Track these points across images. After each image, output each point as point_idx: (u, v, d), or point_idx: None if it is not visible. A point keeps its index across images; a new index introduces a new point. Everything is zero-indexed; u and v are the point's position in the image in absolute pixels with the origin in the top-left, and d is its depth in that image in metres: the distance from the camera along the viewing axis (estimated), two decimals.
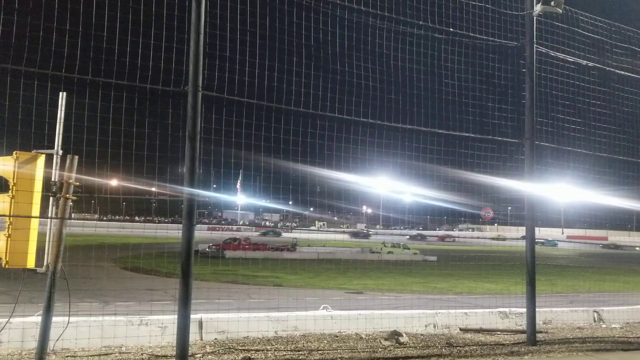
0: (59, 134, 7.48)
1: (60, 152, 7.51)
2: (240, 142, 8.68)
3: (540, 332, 11.29)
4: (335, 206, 10.90)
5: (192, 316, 8.20)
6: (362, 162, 10.34)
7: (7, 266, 7.18)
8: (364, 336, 10.36)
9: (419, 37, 10.72)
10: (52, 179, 7.44)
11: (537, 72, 11.29)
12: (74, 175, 7.45)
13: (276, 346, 9.26)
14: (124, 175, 8.25)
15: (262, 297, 16.24)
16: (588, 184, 12.89)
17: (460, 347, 9.89)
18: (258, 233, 67.25)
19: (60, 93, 7.48)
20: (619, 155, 13.17)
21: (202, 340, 9.43)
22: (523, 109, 11.17)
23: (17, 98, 7.19)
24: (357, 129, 9.89)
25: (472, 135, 11.20)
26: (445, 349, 9.68)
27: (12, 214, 7.15)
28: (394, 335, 10.18)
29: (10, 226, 7.17)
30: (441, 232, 73.60)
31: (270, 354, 8.71)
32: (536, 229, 11.26)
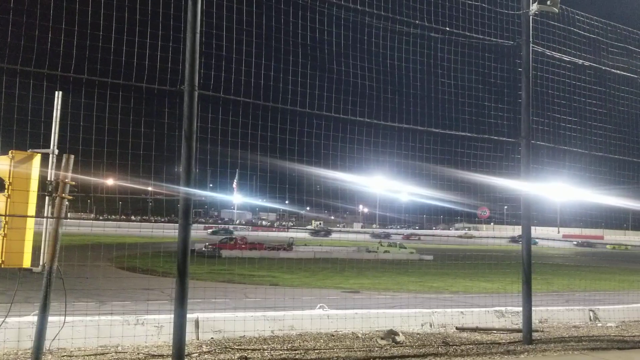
0: (54, 133, 7.46)
1: (56, 151, 7.50)
2: (236, 142, 8.68)
3: (537, 331, 11.31)
4: (331, 205, 10.90)
5: (189, 316, 8.20)
6: (359, 161, 10.34)
7: (3, 266, 7.16)
8: (360, 335, 10.36)
9: (415, 37, 10.73)
10: (48, 179, 7.42)
11: (533, 72, 11.31)
12: (69, 174, 7.43)
13: (272, 345, 9.26)
14: (120, 174, 8.23)
15: (258, 297, 16.23)
16: (584, 183, 12.92)
17: (457, 346, 9.90)
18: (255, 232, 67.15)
19: (56, 92, 7.46)
20: (614, 154, 13.20)
21: (198, 339, 9.42)
22: (519, 108, 11.19)
23: (12, 97, 7.17)
24: (354, 128, 9.89)
25: (469, 134, 11.22)
26: (441, 348, 9.69)
27: (8, 213, 7.13)
28: (391, 334, 10.19)
29: (6, 226, 7.14)
30: (407, 231, 73.44)
31: (266, 353, 8.71)
32: (532, 228, 11.28)
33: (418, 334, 10.85)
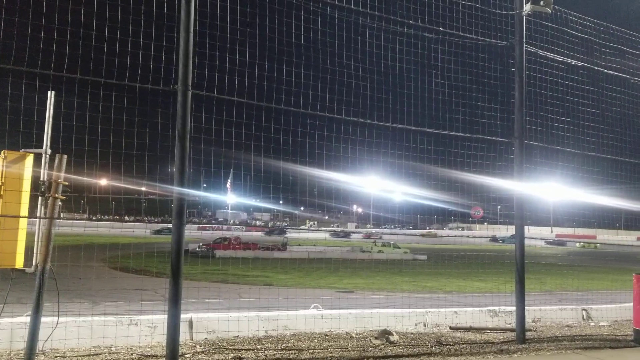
0: (47, 133, 7.43)
1: (49, 151, 7.47)
2: (230, 142, 8.67)
3: (530, 330, 11.35)
4: (325, 205, 10.90)
5: (182, 316, 8.19)
6: (353, 161, 10.35)
7: None
8: (354, 335, 10.37)
9: (409, 37, 10.74)
10: (41, 179, 7.40)
11: (526, 72, 11.35)
12: (62, 174, 7.40)
13: (266, 345, 9.25)
14: (113, 174, 8.21)
15: (252, 297, 16.22)
16: (577, 183, 12.97)
17: (450, 345, 9.93)
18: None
19: (49, 92, 7.43)
20: (607, 154, 13.25)
21: (192, 340, 9.40)
22: (512, 108, 11.22)
23: (5, 97, 7.14)
24: (348, 128, 9.90)
25: (462, 134, 11.24)
26: (435, 347, 9.71)
27: (0, 213, 7.10)
28: (385, 334, 10.20)
29: None
30: (365, 230, 73.38)
31: (260, 354, 8.70)
32: (525, 227, 11.30)
33: (412, 333, 10.87)
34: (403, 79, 10.87)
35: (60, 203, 7.46)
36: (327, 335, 10.19)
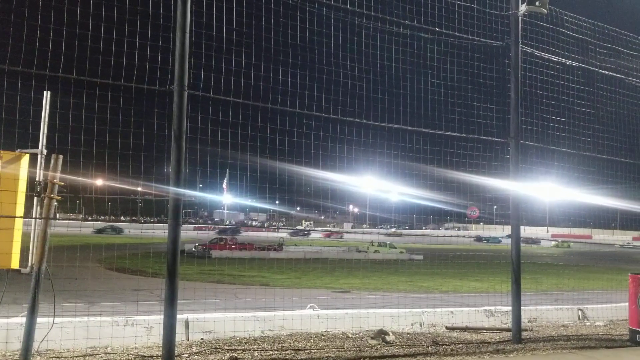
0: (43, 133, 7.42)
1: (45, 151, 7.46)
2: (226, 142, 8.67)
3: (526, 330, 11.37)
4: (321, 205, 10.90)
5: (179, 316, 8.18)
6: (349, 161, 10.35)
7: None
8: (350, 335, 10.37)
9: (405, 37, 10.75)
10: (37, 179, 7.38)
11: (522, 72, 11.37)
12: (58, 174, 7.39)
13: (263, 346, 9.25)
14: (109, 174, 8.20)
15: (248, 297, 16.23)
16: (573, 183, 13.00)
17: (447, 345, 9.94)
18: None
19: (45, 92, 7.42)
20: (602, 154, 13.28)
21: (188, 340, 9.39)
22: (508, 108, 11.23)
23: (0, 97, 7.12)
24: (344, 128, 9.90)
25: (458, 134, 11.25)
26: (431, 347, 9.72)
27: None
28: (381, 334, 10.20)
29: None
30: (327, 230, 73.31)
31: (256, 354, 8.70)
32: (521, 227, 11.33)
33: (408, 333, 10.87)
34: (399, 79, 10.89)
35: (55, 203, 7.45)
36: (324, 336, 10.20)
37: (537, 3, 10.95)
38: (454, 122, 11.34)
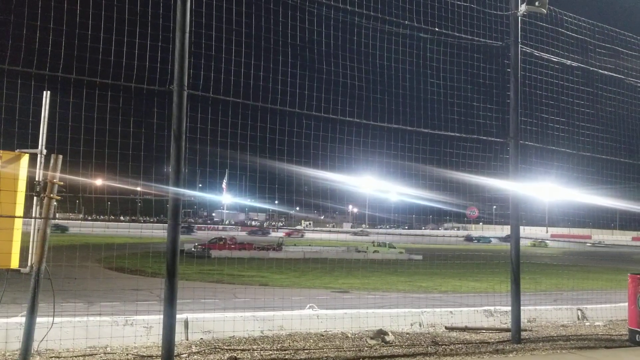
0: (42, 133, 7.42)
1: (44, 151, 7.45)
2: (226, 142, 8.67)
3: (525, 330, 11.37)
4: (321, 205, 10.91)
5: (178, 316, 8.18)
6: (348, 161, 10.36)
7: None
8: (350, 335, 10.38)
9: (404, 37, 10.75)
10: (36, 179, 7.38)
11: (521, 72, 11.37)
12: (58, 174, 7.39)
13: (262, 346, 9.25)
14: (108, 174, 8.20)
15: (248, 297, 16.23)
16: (572, 183, 13.01)
17: (446, 345, 9.94)
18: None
19: (44, 92, 7.42)
20: (602, 154, 13.29)
21: (187, 340, 9.39)
22: (508, 108, 11.24)
23: (0, 97, 7.12)
24: (343, 128, 9.90)
25: (458, 134, 11.26)
26: (430, 347, 9.72)
27: None
28: (380, 334, 10.20)
29: None
30: (287, 229, 72.83)
31: (256, 354, 8.70)
32: (521, 227, 11.33)
33: (407, 333, 10.88)
34: (398, 79, 10.89)
35: (55, 203, 7.45)
36: (323, 336, 10.20)
37: (536, 3, 10.96)
38: (454, 122, 11.35)
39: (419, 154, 10.73)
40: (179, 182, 7.88)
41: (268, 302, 12.60)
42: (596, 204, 13.72)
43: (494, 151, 11.45)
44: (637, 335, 10.71)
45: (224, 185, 11.98)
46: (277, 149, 9.25)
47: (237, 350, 8.86)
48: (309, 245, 45.57)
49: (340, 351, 9.18)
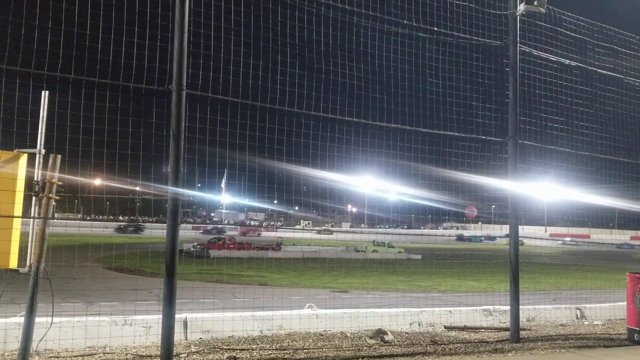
0: (41, 133, 7.42)
1: (43, 151, 7.45)
2: (225, 141, 8.66)
3: (524, 329, 11.38)
4: (320, 205, 10.91)
5: (177, 316, 8.18)
6: (347, 160, 10.35)
7: None
8: (349, 335, 10.38)
9: (403, 37, 10.75)
10: (35, 179, 7.38)
11: (520, 72, 11.38)
12: (56, 174, 7.39)
13: (261, 345, 9.25)
14: (107, 174, 8.19)
15: (247, 297, 16.22)
16: (571, 182, 13.01)
17: (445, 344, 9.94)
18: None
19: (43, 92, 7.41)
20: (600, 153, 13.30)
21: (186, 339, 9.39)
22: (506, 107, 11.24)
23: None
24: (342, 127, 9.90)
25: (457, 134, 11.26)
26: (429, 346, 9.73)
27: None
28: (379, 333, 10.21)
29: None
30: (244, 228, 72.39)
31: (255, 353, 8.70)
32: (520, 227, 11.34)
33: (406, 333, 10.88)
34: (397, 79, 10.89)
35: (54, 203, 7.44)
36: (322, 335, 10.20)
37: (535, 2, 10.96)
38: (453, 121, 11.35)
39: (418, 154, 10.74)
40: (177, 181, 7.87)
41: (267, 301, 12.62)
42: (595, 203, 13.73)
43: (492, 150, 11.45)
44: (635, 334, 10.73)
45: (223, 185, 11.98)
46: (276, 149, 9.24)
47: (236, 349, 8.85)
48: (308, 244, 45.52)
49: (340, 351, 9.18)
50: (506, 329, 11.14)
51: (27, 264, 7.33)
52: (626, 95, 13.98)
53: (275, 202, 10.47)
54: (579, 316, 13.41)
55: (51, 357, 8.12)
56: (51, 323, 7.99)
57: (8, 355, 7.97)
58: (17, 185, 7.26)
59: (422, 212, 13.90)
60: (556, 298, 18.73)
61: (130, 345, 8.92)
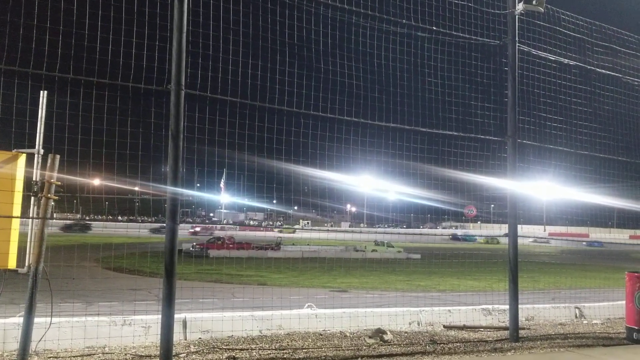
0: (40, 133, 7.41)
1: (42, 151, 7.45)
2: (224, 141, 8.65)
3: (523, 328, 11.39)
4: (319, 205, 10.90)
5: (176, 316, 8.17)
6: (346, 160, 10.34)
7: None
8: (348, 334, 10.38)
9: (402, 36, 10.75)
10: (34, 179, 7.37)
11: (519, 71, 11.38)
12: (55, 174, 7.38)
13: (260, 345, 9.25)
14: (106, 174, 8.19)
15: (246, 296, 16.22)
16: (570, 181, 13.02)
17: (444, 344, 9.95)
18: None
19: (41, 91, 7.41)
20: (599, 153, 13.30)
21: (186, 339, 9.39)
22: (505, 107, 11.25)
23: None
24: (341, 127, 9.89)
25: (455, 133, 11.26)
26: (429, 346, 9.73)
27: None
28: (378, 333, 10.21)
29: None
30: (198, 228, 71.70)
31: (254, 353, 8.70)
32: (519, 226, 11.33)
33: (406, 332, 10.88)
34: (396, 78, 10.88)
35: (52, 203, 7.44)
36: (321, 335, 10.20)
37: (533, 2, 10.97)
38: (451, 121, 11.35)
39: (417, 153, 10.73)
40: (176, 181, 7.87)
41: (266, 301, 12.61)
42: (594, 203, 13.73)
43: (491, 150, 11.46)
44: (634, 333, 10.73)
45: (222, 184, 11.98)
46: (275, 149, 9.24)
47: (236, 349, 8.85)
48: (307, 244, 45.51)
49: (339, 350, 9.18)
50: (505, 328, 11.14)
51: (26, 264, 7.33)
52: (625, 94, 13.98)
53: (274, 202, 10.47)
54: (578, 315, 13.42)
55: (50, 357, 8.11)
56: (50, 323, 7.98)
57: (7, 356, 7.96)
58: (16, 185, 7.26)
59: (421, 211, 13.88)
60: (555, 297, 18.74)
61: (130, 345, 8.92)
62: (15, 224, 7.26)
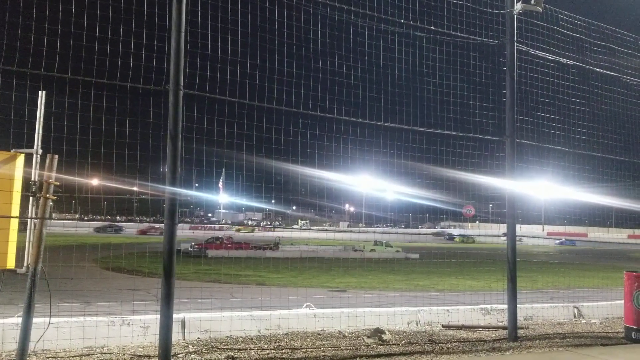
0: (38, 133, 7.40)
1: (40, 151, 7.44)
2: (222, 141, 8.65)
3: (522, 328, 11.40)
4: (317, 204, 10.90)
5: (175, 316, 8.17)
6: (345, 160, 10.35)
7: None
8: (347, 334, 10.38)
9: (400, 36, 10.75)
10: (32, 179, 7.37)
11: (517, 71, 11.38)
12: (54, 174, 7.38)
13: (259, 345, 9.25)
14: (104, 174, 8.18)
15: (244, 296, 16.21)
16: (568, 181, 13.03)
17: (443, 343, 9.95)
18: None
19: (40, 92, 7.40)
20: (598, 152, 13.32)
21: (184, 339, 9.39)
22: (504, 106, 11.25)
23: None
24: (339, 127, 9.90)
25: (454, 133, 11.27)
26: (427, 345, 9.73)
27: None
28: (377, 332, 10.21)
29: None
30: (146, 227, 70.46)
31: (253, 353, 8.70)
32: (517, 225, 11.34)
33: (404, 332, 10.89)
34: (394, 78, 10.89)
35: (51, 203, 7.43)
36: (320, 334, 10.20)
37: (532, 1, 10.98)
38: (450, 120, 11.36)
39: (415, 153, 10.74)
40: (175, 181, 7.87)
41: (265, 301, 12.62)
42: (592, 202, 13.74)
43: (490, 149, 11.46)
44: (633, 333, 10.75)
45: (220, 184, 11.98)
46: (274, 148, 9.24)
47: (235, 349, 8.85)
48: (306, 244, 45.51)
49: (338, 350, 9.19)
50: (504, 328, 11.15)
51: (25, 264, 7.32)
52: (623, 93, 14.00)
53: (273, 201, 10.47)
54: (576, 315, 13.43)
55: (49, 357, 8.11)
56: (49, 323, 7.98)
57: (5, 356, 7.96)
58: (15, 185, 7.25)
59: (419, 211, 13.89)
60: (554, 297, 18.77)
61: (128, 345, 8.92)
62: (14, 224, 7.25)
